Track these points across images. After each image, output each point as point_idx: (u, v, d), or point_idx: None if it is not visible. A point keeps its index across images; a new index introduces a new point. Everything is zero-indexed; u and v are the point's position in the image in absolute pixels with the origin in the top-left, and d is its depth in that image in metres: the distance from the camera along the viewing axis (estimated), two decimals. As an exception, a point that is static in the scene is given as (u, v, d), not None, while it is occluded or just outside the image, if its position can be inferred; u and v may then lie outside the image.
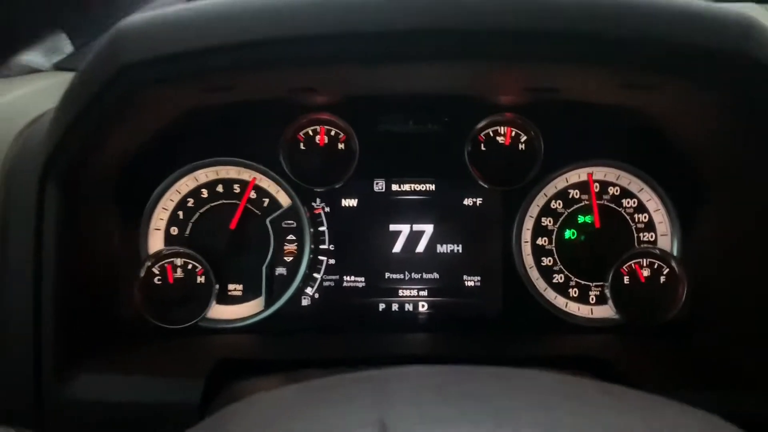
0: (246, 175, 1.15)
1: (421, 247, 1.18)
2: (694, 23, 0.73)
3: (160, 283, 1.12)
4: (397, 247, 1.18)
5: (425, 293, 1.19)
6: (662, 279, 1.14)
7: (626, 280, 1.14)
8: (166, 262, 1.12)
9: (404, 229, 1.18)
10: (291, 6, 0.72)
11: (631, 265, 1.14)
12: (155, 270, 1.12)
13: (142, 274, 1.11)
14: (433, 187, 1.19)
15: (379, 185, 1.18)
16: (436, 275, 1.19)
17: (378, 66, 0.86)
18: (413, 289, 1.18)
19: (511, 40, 0.73)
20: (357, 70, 0.88)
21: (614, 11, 0.72)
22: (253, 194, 1.16)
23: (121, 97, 0.79)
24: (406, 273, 1.18)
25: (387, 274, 1.18)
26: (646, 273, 1.14)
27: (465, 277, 1.19)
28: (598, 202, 1.17)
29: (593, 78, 0.88)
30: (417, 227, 1.19)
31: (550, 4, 0.71)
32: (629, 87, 0.86)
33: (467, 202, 1.19)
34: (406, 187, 1.19)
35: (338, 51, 0.74)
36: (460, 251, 1.19)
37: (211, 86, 0.91)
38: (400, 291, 1.18)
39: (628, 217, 1.17)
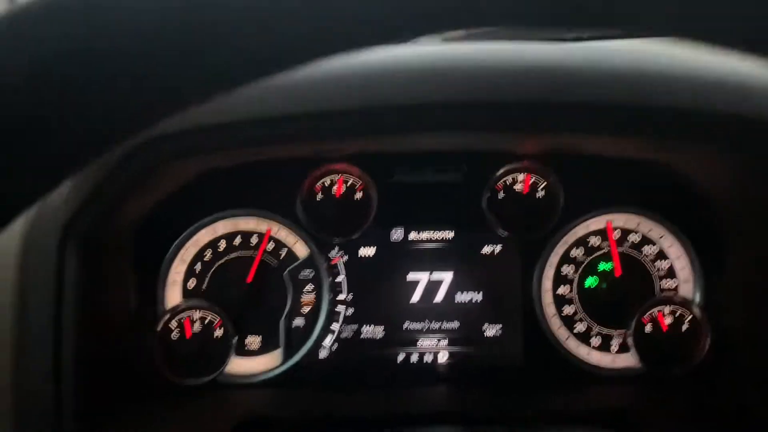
0: (264, 226, 1.15)
1: (440, 296, 1.17)
2: (723, 91, 0.72)
3: (177, 337, 1.10)
4: (416, 297, 1.17)
5: (445, 343, 1.17)
6: (685, 327, 1.13)
7: (648, 328, 1.13)
8: (183, 316, 1.11)
9: (423, 278, 1.17)
10: (319, 80, 0.71)
11: (652, 313, 1.13)
12: (172, 324, 1.10)
13: (160, 328, 1.10)
14: (451, 235, 1.18)
15: (397, 234, 1.18)
16: (456, 324, 1.17)
17: (401, 136, 0.85)
18: (433, 338, 1.17)
19: (539, 113, 0.72)
20: (381, 138, 0.88)
21: (642, 82, 0.71)
22: (270, 245, 1.15)
23: (144, 167, 0.78)
24: (426, 322, 1.17)
25: (406, 324, 1.17)
26: (668, 321, 1.13)
27: (485, 326, 1.17)
28: (618, 249, 1.16)
29: (620, 143, 0.87)
30: (436, 276, 1.17)
31: (577, 77, 0.70)
32: (655, 150, 0.85)
33: (486, 250, 1.18)
34: (424, 235, 1.18)
35: (369, 124, 0.73)
36: (480, 300, 1.17)
37: (233, 154, 0.91)
38: (419, 341, 1.17)
39: (648, 265, 1.16)
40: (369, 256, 1.17)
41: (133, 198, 0.93)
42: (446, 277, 1.17)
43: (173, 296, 1.13)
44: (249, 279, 1.12)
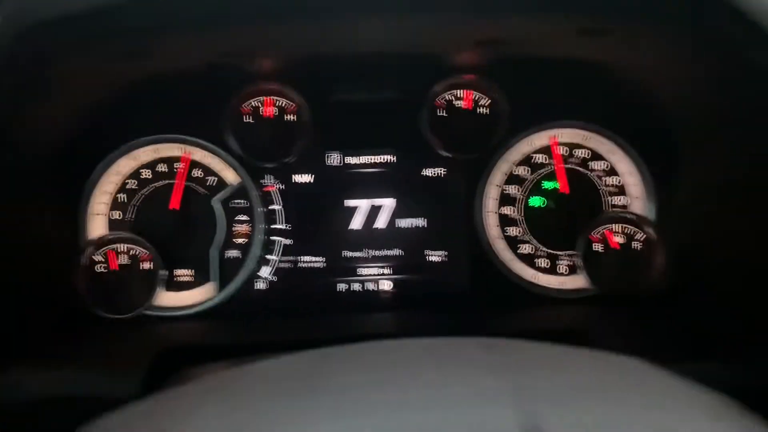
0: (188, 152, 1.08)
1: (381, 223, 1.12)
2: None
3: (103, 270, 1.05)
4: (356, 224, 1.12)
5: (388, 271, 1.12)
6: (637, 245, 1.08)
7: (598, 247, 1.08)
8: (108, 248, 1.05)
9: (363, 204, 1.12)
10: None
11: (602, 231, 1.08)
12: (98, 257, 1.05)
13: (84, 261, 1.04)
14: (392, 158, 1.12)
15: (335, 159, 1.11)
16: (398, 251, 1.12)
17: (311, 21, 0.79)
18: (375, 266, 1.12)
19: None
20: (297, 27, 0.81)
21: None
22: (198, 173, 1.09)
23: (27, 65, 0.72)
24: (367, 250, 1.12)
25: (347, 253, 1.12)
26: (619, 239, 1.08)
27: (429, 252, 1.12)
28: (565, 166, 1.10)
29: (547, 25, 0.80)
30: (376, 202, 1.12)
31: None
32: (587, 33, 0.79)
33: (428, 172, 1.12)
34: (363, 159, 1.12)
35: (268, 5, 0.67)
36: (424, 225, 1.12)
37: (129, 50, 0.84)
38: (361, 269, 1.12)
39: (597, 181, 1.11)
40: (305, 182, 1.11)
41: (38, 112, 0.87)
42: (387, 202, 1.12)
43: (97, 228, 1.08)
44: (172, 206, 1.06)
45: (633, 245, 1.08)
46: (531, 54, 0.97)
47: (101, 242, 1.05)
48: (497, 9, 0.71)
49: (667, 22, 0.72)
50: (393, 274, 1.12)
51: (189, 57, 0.92)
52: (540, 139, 1.11)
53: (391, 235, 1.12)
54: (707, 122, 0.98)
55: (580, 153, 1.10)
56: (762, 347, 0.86)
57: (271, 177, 1.11)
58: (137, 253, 1.05)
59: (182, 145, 1.08)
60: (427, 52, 1.02)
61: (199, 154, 1.08)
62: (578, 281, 1.10)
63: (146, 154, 1.08)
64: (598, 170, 1.11)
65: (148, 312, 1.06)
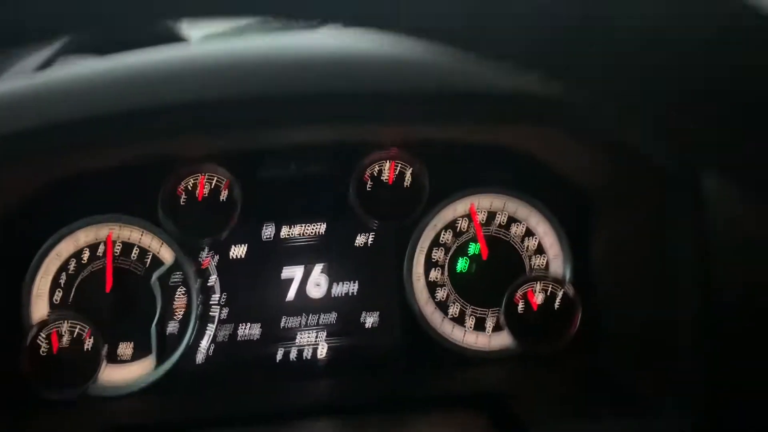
0: (126, 233, 1.13)
1: (315, 290, 1.17)
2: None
3: (46, 351, 1.09)
4: (291, 293, 1.17)
5: (324, 336, 1.17)
6: (557, 304, 1.14)
7: (520, 306, 1.14)
8: (51, 328, 1.09)
9: (298, 273, 1.17)
10: (141, 76, 0.71)
11: (523, 290, 1.14)
12: (41, 338, 1.09)
13: (28, 342, 1.08)
14: (323, 229, 1.18)
15: (268, 231, 1.17)
16: (333, 317, 1.17)
17: (235, 132, 0.85)
18: (311, 332, 1.17)
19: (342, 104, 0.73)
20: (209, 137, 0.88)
21: (439, 68, 0.72)
22: (135, 252, 1.13)
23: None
24: (303, 317, 1.17)
25: (283, 321, 1.17)
26: (539, 298, 1.14)
27: (363, 316, 1.18)
28: (485, 230, 1.17)
29: (441, 127, 0.88)
30: (311, 270, 1.17)
31: (372, 65, 0.71)
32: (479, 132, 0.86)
33: (359, 241, 1.18)
34: (296, 231, 1.17)
35: (189, 122, 0.74)
36: (357, 291, 1.18)
37: (73, 159, 0.90)
38: (298, 336, 1.17)
39: (517, 244, 1.17)
40: (241, 255, 1.16)
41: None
42: (321, 270, 1.17)
43: (40, 309, 1.12)
44: (107, 288, 1.11)
45: (552, 303, 1.14)
46: (443, 139, 1.04)
47: (44, 323, 1.09)
48: (393, 120, 0.78)
49: (540, 124, 0.79)
50: (329, 337, 1.17)
51: (115, 158, 0.98)
52: (461, 205, 1.17)
53: (326, 302, 1.17)
54: (609, 189, 1.06)
55: (499, 218, 1.17)
56: (680, 401, 0.92)
57: (208, 251, 1.16)
58: (79, 331, 1.09)
59: (120, 226, 1.13)
60: (352, 139, 1.10)
61: (136, 235, 1.13)
62: (504, 339, 1.16)
63: (86, 236, 1.12)
64: (517, 233, 1.17)
65: (91, 391, 1.09)
